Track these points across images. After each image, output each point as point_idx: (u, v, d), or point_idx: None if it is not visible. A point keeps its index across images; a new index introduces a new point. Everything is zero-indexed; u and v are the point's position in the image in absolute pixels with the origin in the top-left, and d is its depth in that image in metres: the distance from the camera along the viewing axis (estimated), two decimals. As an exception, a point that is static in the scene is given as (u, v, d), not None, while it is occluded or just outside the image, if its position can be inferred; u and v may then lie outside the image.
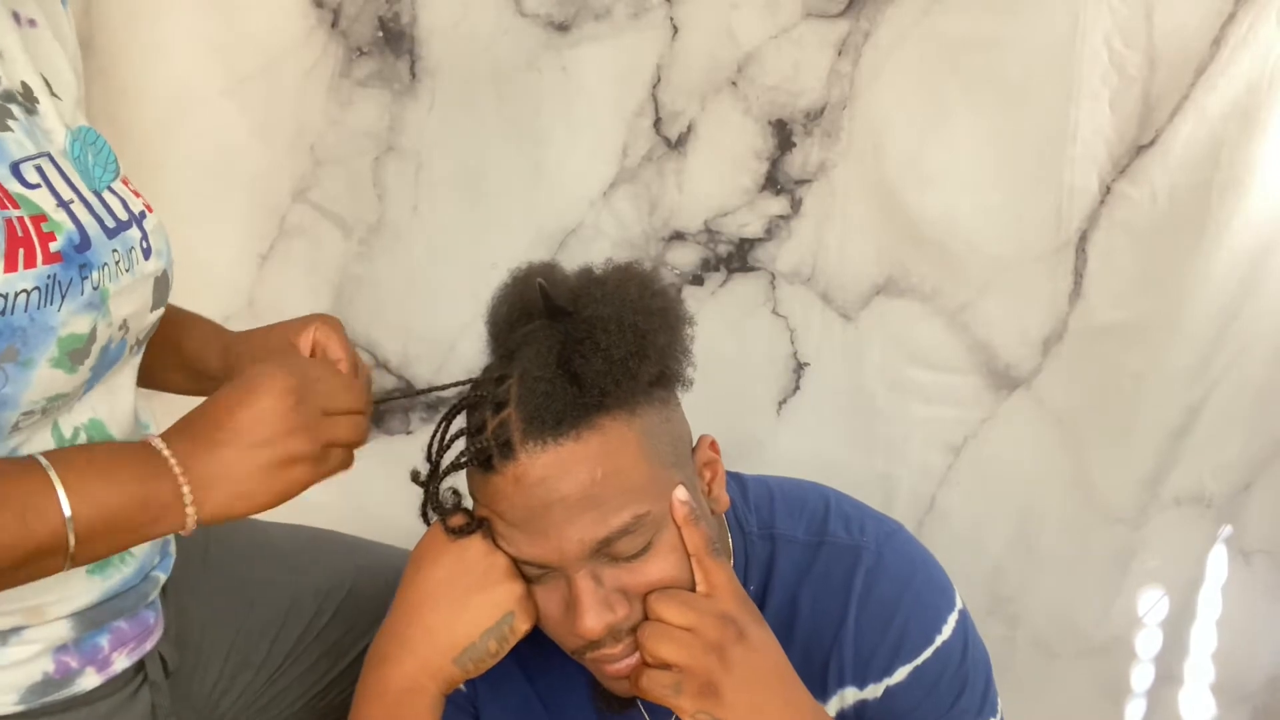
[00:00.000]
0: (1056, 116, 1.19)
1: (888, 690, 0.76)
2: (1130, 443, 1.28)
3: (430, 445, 0.73)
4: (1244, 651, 1.35)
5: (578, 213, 1.27)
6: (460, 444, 0.71)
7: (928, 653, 0.75)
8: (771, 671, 0.67)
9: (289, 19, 1.22)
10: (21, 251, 0.61)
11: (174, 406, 0.74)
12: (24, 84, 0.69)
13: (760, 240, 1.28)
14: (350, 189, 1.29)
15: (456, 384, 0.74)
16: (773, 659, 0.68)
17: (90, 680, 0.73)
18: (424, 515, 0.74)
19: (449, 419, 0.72)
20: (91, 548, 0.62)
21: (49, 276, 0.62)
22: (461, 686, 0.78)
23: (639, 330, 0.67)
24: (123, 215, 0.71)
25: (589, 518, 0.66)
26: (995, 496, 1.33)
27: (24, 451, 0.66)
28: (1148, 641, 1.36)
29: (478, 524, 0.70)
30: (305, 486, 0.67)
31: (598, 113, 1.24)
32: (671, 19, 1.21)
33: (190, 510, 0.63)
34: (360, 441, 0.71)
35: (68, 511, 0.59)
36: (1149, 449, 1.28)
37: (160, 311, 0.76)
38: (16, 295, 0.60)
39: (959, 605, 0.78)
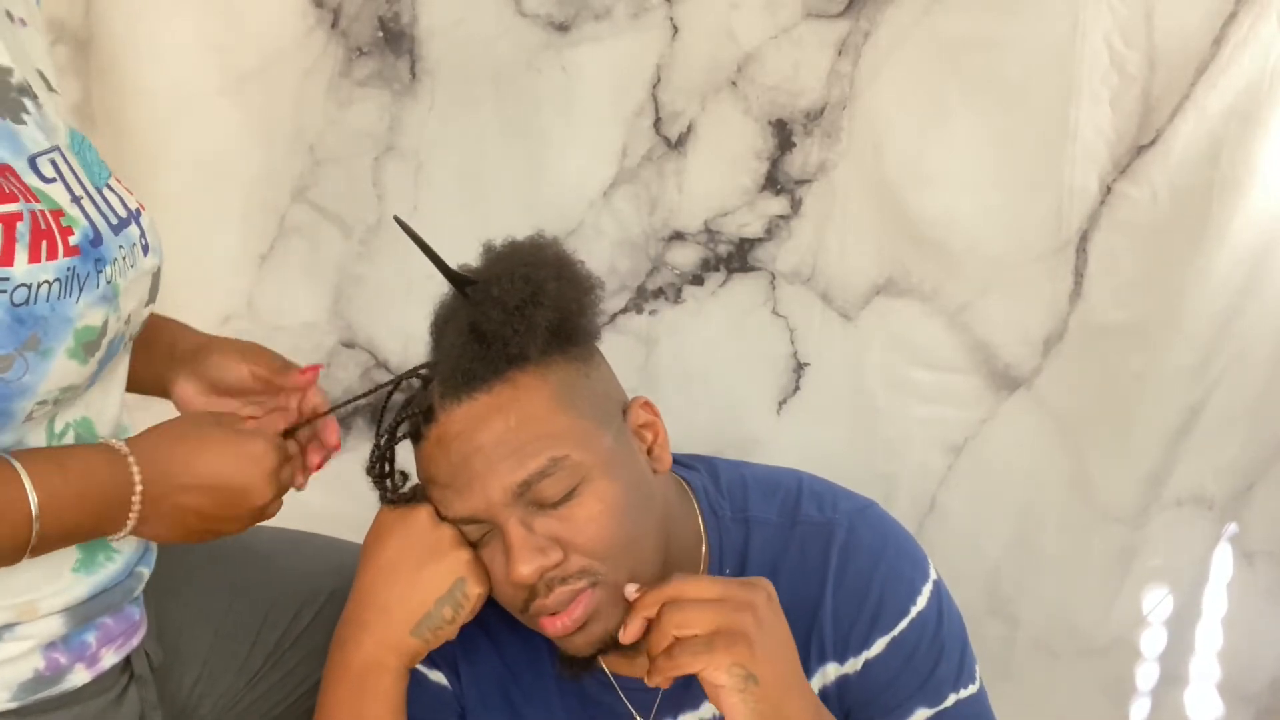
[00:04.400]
0: (1056, 116, 1.19)
1: (866, 663, 0.76)
2: (1131, 443, 1.28)
3: (376, 439, 0.77)
4: (1246, 653, 1.35)
5: (578, 212, 1.27)
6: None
7: (903, 623, 0.76)
8: (789, 636, 0.70)
9: (289, 19, 1.22)
10: (44, 244, 0.62)
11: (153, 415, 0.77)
12: (25, 80, 0.70)
13: (760, 240, 1.28)
14: (350, 189, 1.29)
15: (394, 380, 0.79)
16: (787, 626, 0.70)
17: (80, 677, 0.74)
18: (383, 498, 0.78)
19: (385, 407, 0.77)
20: (43, 548, 0.66)
21: (68, 269, 0.63)
22: (447, 684, 0.78)
23: (530, 279, 0.70)
24: (122, 212, 0.73)
25: (507, 464, 0.69)
26: (995, 496, 1.32)
27: (30, 443, 0.68)
28: (1149, 642, 1.35)
29: (412, 491, 0.75)
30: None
31: (598, 113, 1.24)
32: (671, 19, 1.21)
33: (131, 524, 0.68)
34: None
35: (34, 509, 0.63)
36: (1150, 449, 1.28)
37: (152, 307, 0.78)
38: (39, 286, 0.61)
39: (933, 576, 0.79)
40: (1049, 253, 1.24)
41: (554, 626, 0.71)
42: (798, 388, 1.32)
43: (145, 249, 0.74)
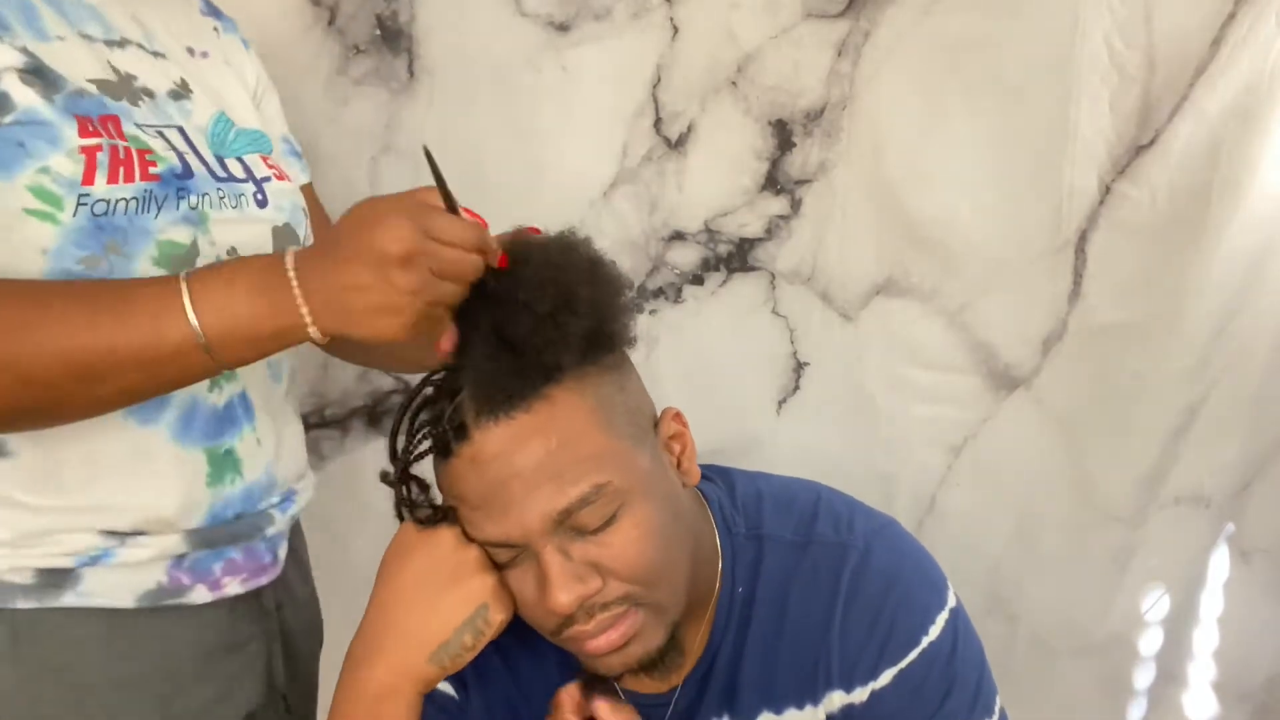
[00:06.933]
0: (1056, 116, 1.19)
1: (873, 694, 0.74)
2: (1130, 442, 1.29)
3: (392, 442, 0.72)
4: (1243, 651, 1.35)
5: (578, 212, 1.26)
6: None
7: (913, 655, 0.73)
8: None
9: (285, 16, 1.21)
10: (122, 169, 0.73)
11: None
12: (182, 79, 0.84)
13: (760, 240, 1.28)
14: (347, 188, 1.28)
15: (422, 383, 0.73)
16: None
17: (201, 595, 0.81)
18: (398, 513, 0.74)
19: (406, 412, 0.72)
20: (232, 351, 0.68)
21: (146, 190, 0.74)
22: (454, 694, 0.77)
23: (560, 284, 0.66)
24: (240, 174, 0.84)
25: (547, 489, 0.65)
26: (995, 496, 1.33)
27: None
28: (1147, 640, 1.36)
29: (443, 513, 0.71)
30: (397, 314, 0.65)
31: (598, 113, 1.23)
32: (671, 19, 1.21)
33: (307, 318, 0.67)
34: (459, 292, 0.68)
35: (194, 321, 0.66)
36: (1148, 448, 1.29)
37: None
38: (116, 202, 0.72)
39: (951, 604, 0.76)
40: (1048, 253, 1.24)
41: (595, 645, 0.69)
42: (798, 388, 1.32)
43: (261, 203, 0.84)
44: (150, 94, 0.80)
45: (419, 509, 0.72)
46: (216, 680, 0.83)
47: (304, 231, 0.90)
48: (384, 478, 0.73)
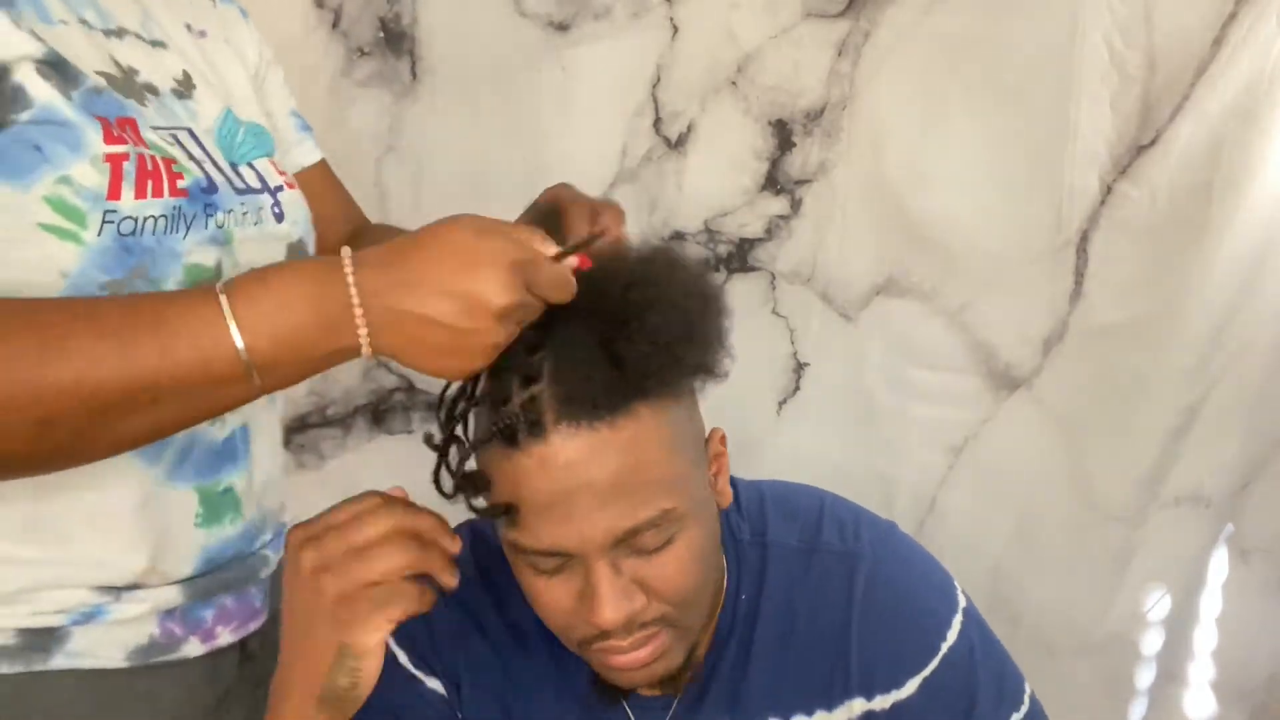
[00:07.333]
0: (1056, 116, 1.20)
1: (896, 705, 0.74)
2: (1130, 442, 1.29)
3: (445, 405, 0.67)
4: (1242, 650, 1.35)
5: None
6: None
7: (935, 662, 0.73)
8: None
9: (289, 19, 1.22)
10: (150, 183, 0.65)
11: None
12: (184, 73, 0.76)
13: (760, 240, 1.28)
14: (351, 190, 1.28)
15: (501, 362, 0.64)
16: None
17: (194, 649, 0.74)
18: (435, 480, 0.68)
19: (473, 384, 0.66)
20: (279, 373, 0.60)
21: (175, 208, 0.66)
22: (443, 692, 0.77)
23: (689, 315, 0.63)
24: (255, 184, 0.76)
25: (618, 508, 0.63)
26: (995, 496, 1.33)
27: None
28: (1147, 640, 1.36)
29: (503, 510, 0.66)
30: (470, 360, 0.60)
31: (598, 113, 1.24)
32: (671, 19, 1.21)
33: (364, 339, 0.59)
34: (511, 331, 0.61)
35: (240, 344, 0.58)
36: (1148, 448, 1.29)
37: None
38: (144, 220, 0.65)
39: (962, 604, 0.76)
40: (1049, 253, 1.24)
41: (622, 661, 0.67)
42: (798, 388, 1.32)
43: (278, 217, 0.76)
44: (154, 91, 0.73)
45: (458, 479, 0.66)
46: None
47: (312, 244, 0.82)
48: (429, 440, 0.67)
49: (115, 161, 0.63)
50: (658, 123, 1.25)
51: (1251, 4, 1.14)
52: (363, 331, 0.58)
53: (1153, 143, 1.20)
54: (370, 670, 0.64)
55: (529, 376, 0.63)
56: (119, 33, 0.73)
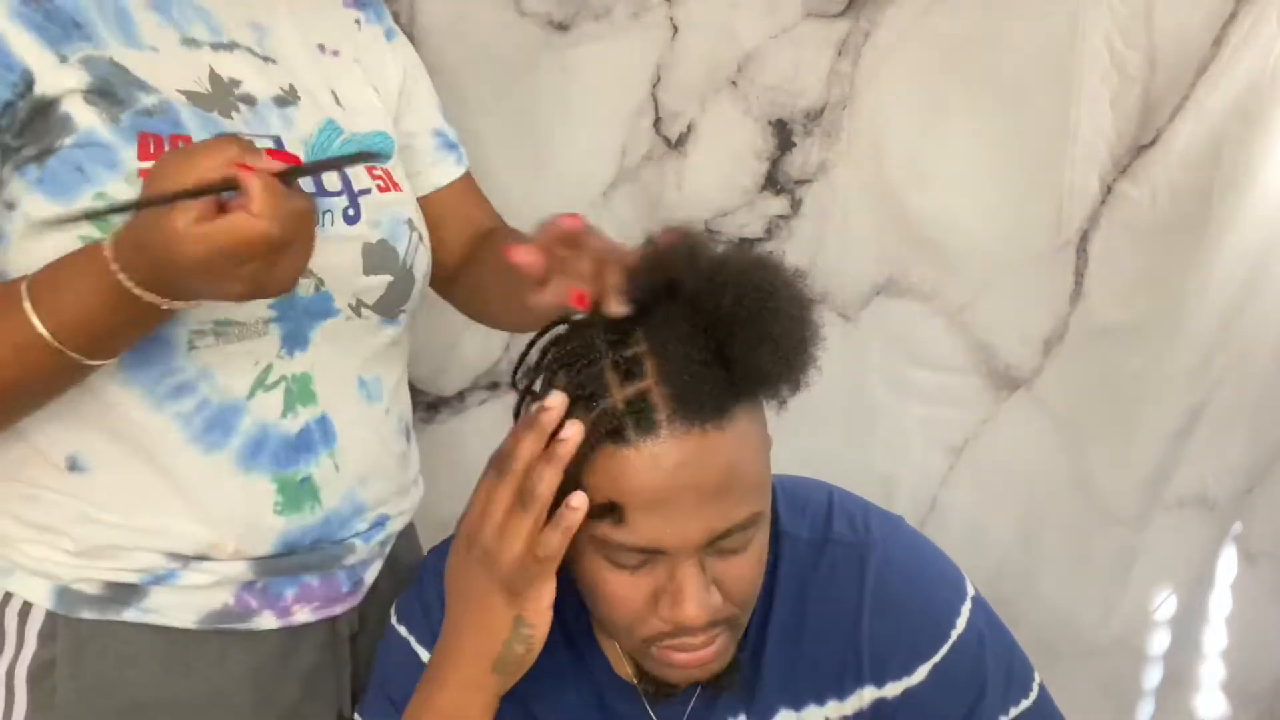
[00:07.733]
0: (1056, 116, 1.19)
1: (907, 691, 0.75)
2: (1132, 443, 1.28)
3: (525, 364, 0.69)
4: (1249, 654, 1.35)
5: (578, 212, 1.26)
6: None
7: (945, 649, 0.75)
8: None
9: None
10: None
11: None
12: (290, 85, 0.82)
13: (760, 240, 1.28)
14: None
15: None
16: None
17: (267, 621, 0.80)
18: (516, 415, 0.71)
19: (544, 338, 0.69)
20: (96, 346, 0.66)
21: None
22: None
23: (804, 325, 0.65)
24: (333, 187, 0.80)
25: (717, 508, 0.65)
26: (996, 497, 1.32)
27: (218, 376, 0.75)
28: (1151, 643, 1.35)
29: (609, 509, 0.66)
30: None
31: (598, 113, 1.24)
32: (671, 19, 1.21)
33: (124, 277, 0.63)
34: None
35: (44, 331, 0.64)
36: (1150, 450, 1.28)
37: (383, 278, 0.82)
38: None
39: (970, 592, 0.78)
40: (1049, 253, 1.24)
41: (686, 659, 0.69)
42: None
43: (350, 220, 0.80)
44: (251, 101, 0.78)
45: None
46: (275, 709, 0.81)
47: (407, 244, 0.85)
48: (515, 381, 0.71)
49: (147, 176, 0.67)
50: (658, 123, 1.25)
51: (1251, 4, 1.14)
52: (140, 290, 0.62)
53: (1153, 143, 1.20)
54: (541, 635, 0.69)
55: (630, 372, 0.64)
56: (230, 46, 0.79)
